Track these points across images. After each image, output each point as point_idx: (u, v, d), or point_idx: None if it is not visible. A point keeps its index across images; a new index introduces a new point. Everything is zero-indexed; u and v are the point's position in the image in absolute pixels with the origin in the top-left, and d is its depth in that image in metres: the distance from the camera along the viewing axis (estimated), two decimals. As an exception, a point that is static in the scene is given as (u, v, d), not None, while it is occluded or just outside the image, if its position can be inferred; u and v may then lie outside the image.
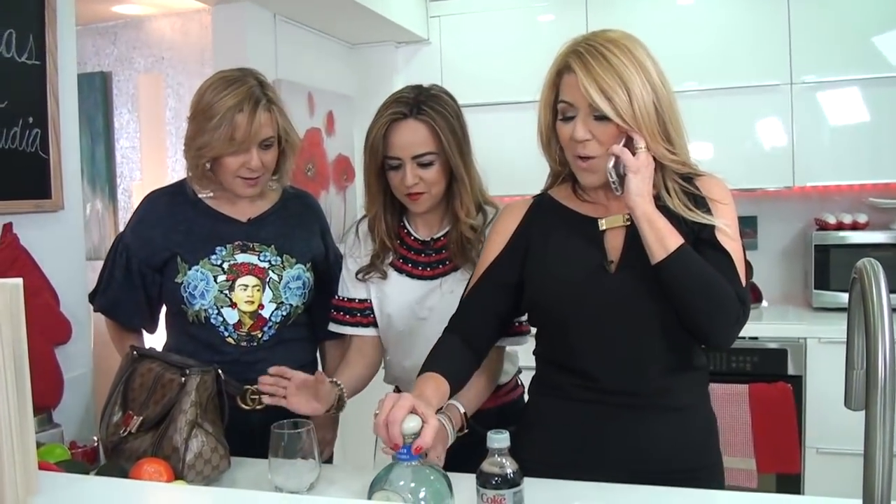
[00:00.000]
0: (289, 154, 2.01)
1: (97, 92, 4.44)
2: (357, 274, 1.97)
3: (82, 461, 1.77)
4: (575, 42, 1.55)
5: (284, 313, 1.98)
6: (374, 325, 1.99)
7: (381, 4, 3.46)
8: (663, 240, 1.47)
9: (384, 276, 1.95)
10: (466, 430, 1.71)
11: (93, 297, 2.07)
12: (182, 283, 1.93)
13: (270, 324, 1.96)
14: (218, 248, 1.95)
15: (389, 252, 1.96)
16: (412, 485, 1.28)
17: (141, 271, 1.98)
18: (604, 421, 1.58)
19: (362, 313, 1.98)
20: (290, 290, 1.99)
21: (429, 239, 1.95)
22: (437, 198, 1.88)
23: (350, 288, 1.99)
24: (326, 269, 2.10)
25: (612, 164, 1.50)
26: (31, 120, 2.01)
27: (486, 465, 1.33)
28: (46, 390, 1.99)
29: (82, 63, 4.41)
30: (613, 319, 1.56)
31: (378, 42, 4.00)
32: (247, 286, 1.94)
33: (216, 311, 1.93)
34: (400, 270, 1.96)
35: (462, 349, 1.65)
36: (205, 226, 1.97)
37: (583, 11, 3.69)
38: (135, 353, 1.84)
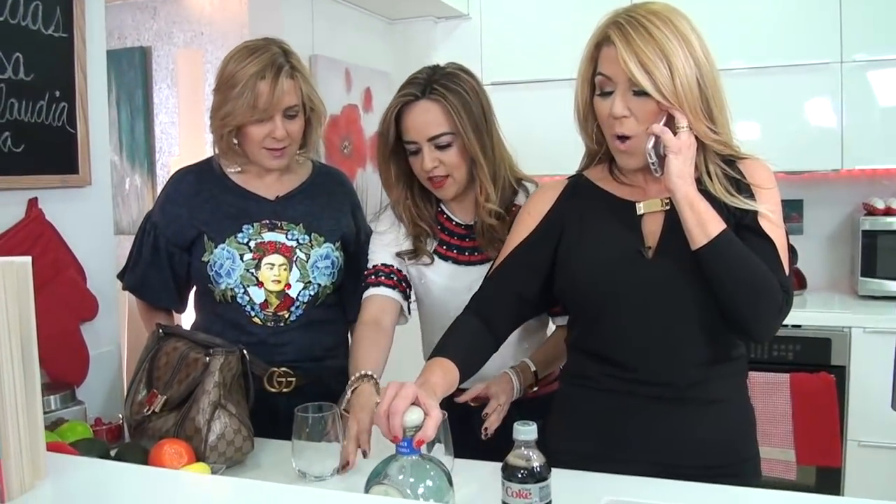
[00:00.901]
0: (315, 124, 1.97)
1: (137, 67, 4.46)
2: (403, 256, 1.91)
3: (103, 439, 1.76)
4: (615, 13, 1.47)
5: (312, 293, 1.94)
6: (398, 289, 1.91)
7: (420, -21, 3.40)
8: (704, 225, 1.40)
9: (432, 260, 1.90)
10: (537, 388, 1.79)
11: (122, 275, 2.06)
12: (208, 261, 1.90)
13: (298, 304, 1.93)
14: (245, 226, 1.92)
15: (427, 236, 1.91)
16: (411, 479, 1.22)
17: (168, 250, 1.96)
18: (636, 413, 1.52)
19: (387, 276, 1.90)
20: (318, 269, 1.95)
21: (472, 223, 1.89)
22: (462, 182, 1.82)
23: (378, 255, 1.92)
24: (357, 248, 2.06)
25: (651, 143, 1.43)
26: (57, 94, 1.97)
27: (512, 458, 1.28)
28: (71, 367, 1.98)
29: (122, 38, 4.44)
30: (649, 307, 1.49)
31: (417, 17, 3.92)
32: (273, 265, 1.91)
33: (242, 290, 1.90)
34: (444, 257, 1.91)
35: (480, 331, 1.60)
36: (232, 204, 1.95)
37: (629, -13, 3.58)
38: (161, 331, 1.82)
